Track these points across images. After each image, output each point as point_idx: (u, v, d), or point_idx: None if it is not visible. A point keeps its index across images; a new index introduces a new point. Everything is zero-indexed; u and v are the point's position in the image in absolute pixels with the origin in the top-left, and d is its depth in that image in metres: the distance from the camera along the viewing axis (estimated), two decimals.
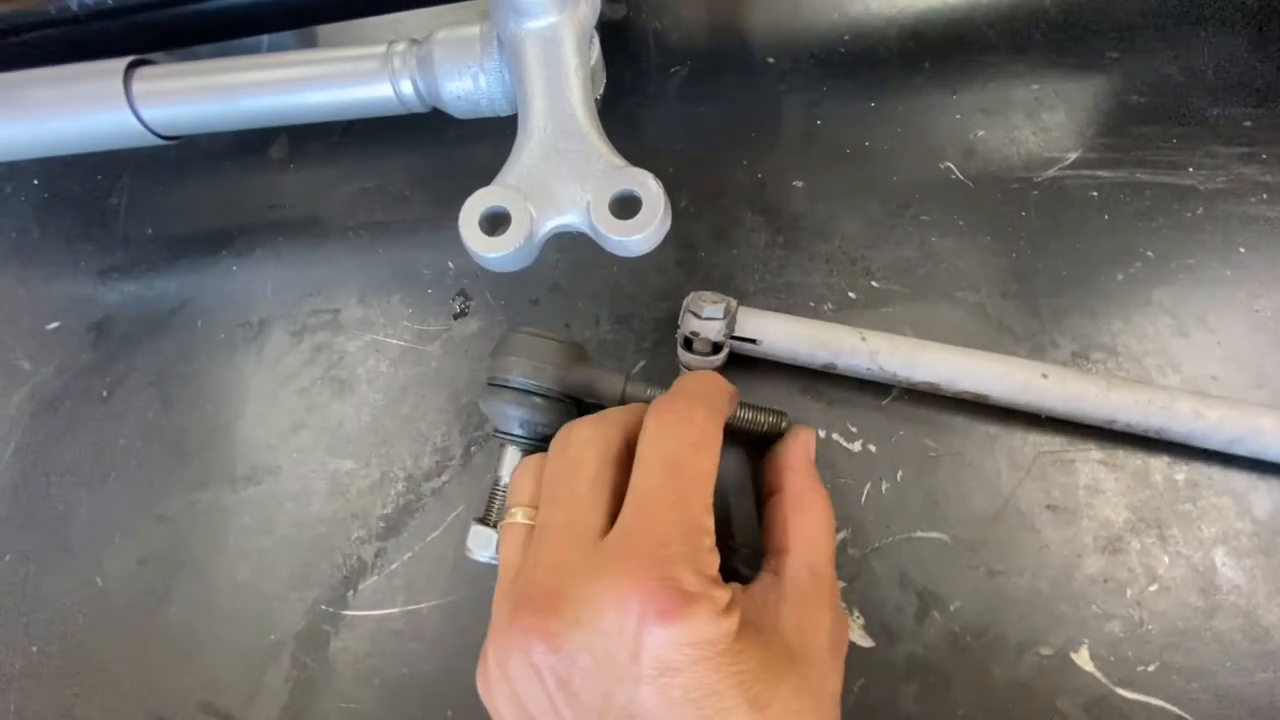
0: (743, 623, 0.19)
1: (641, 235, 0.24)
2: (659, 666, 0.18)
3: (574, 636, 0.19)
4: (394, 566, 0.31)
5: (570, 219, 0.25)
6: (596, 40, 0.29)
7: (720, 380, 0.25)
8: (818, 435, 0.30)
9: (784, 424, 0.28)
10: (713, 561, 0.20)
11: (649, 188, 0.24)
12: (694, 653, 0.18)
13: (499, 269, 0.25)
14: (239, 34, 0.37)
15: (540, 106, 0.26)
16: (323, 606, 0.30)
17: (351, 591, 0.31)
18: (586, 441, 0.23)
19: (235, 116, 0.31)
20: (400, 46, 0.29)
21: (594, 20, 0.26)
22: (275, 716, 0.29)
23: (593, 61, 0.28)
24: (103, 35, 0.35)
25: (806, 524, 0.24)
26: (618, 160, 0.25)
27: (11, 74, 0.32)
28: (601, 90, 0.31)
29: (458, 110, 0.29)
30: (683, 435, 0.21)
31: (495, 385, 0.27)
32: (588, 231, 0.25)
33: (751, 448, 0.30)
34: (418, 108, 0.30)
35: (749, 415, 0.28)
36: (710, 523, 0.21)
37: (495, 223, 0.24)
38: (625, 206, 0.24)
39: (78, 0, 0.34)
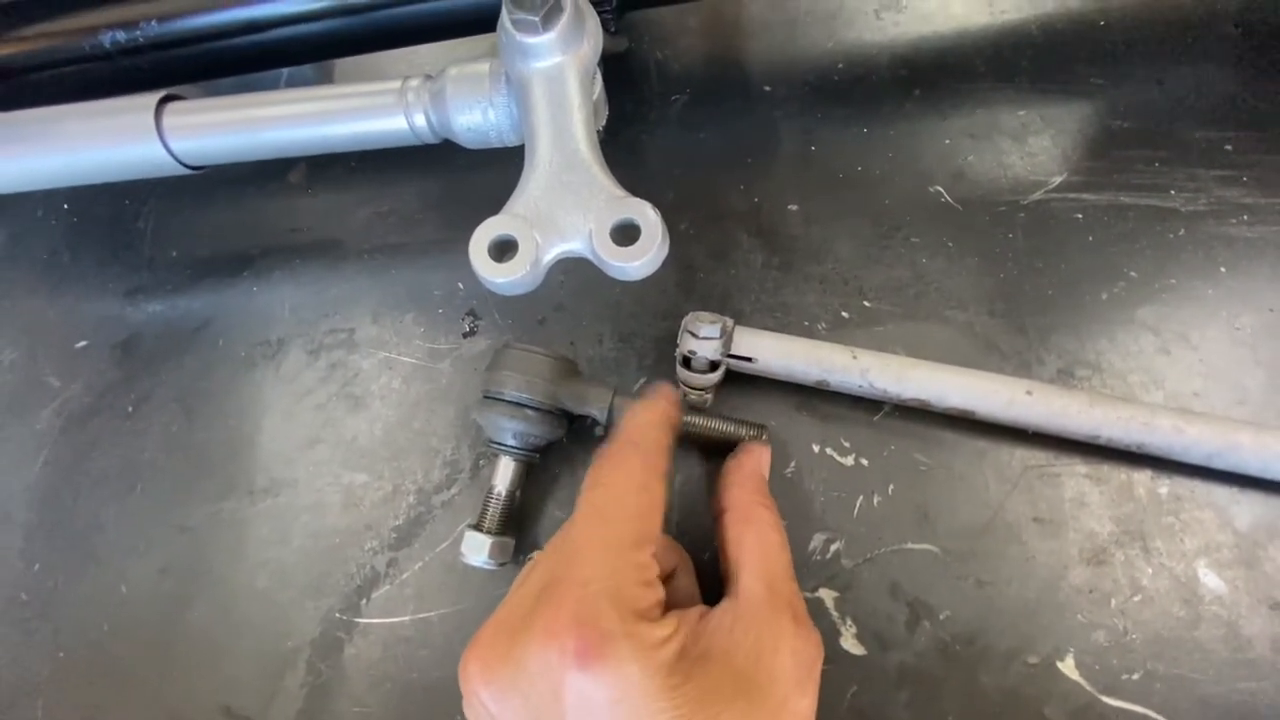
0: (683, 653, 0.19)
1: (640, 262, 0.25)
2: (582, 707, 0.19)
3: (508, 678, 0.20)
4: (405, 576, 0.32)
5: (573, 246, 0.26)
6: (599, 76, 0.30)
7: (661, 413, 0.25)
8: (812, 449, 0.31)
9: (763, 437, 0.30)
10: (643, 596, 0.20)
11: (648, 217, 0.25)
12: (615, 692, 0.18)
13: (507, 293, 0.26)
14: (260, 68, 0.39)
15: (546, 140, 0.27)
16: (337, 614, 0.32)
17: (365, 600, 0.32)
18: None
19: (259, 148, 0.33)
20: (414, 82, 0.31)
21: (596, 59, 0.28)
22: (291, 719, 0.30)
23: (595, 96, 0.30)
24: (132, 70, 0.37)
25: (755, 540, 0.24)
26: (618, 191, 0.26)
27: (49, 109, 0.34)
28: (605, 121, 0.33)
29: (468, 141, 0.31)
30: (612, 480, 0.22)
31: (490, 398, 0.29)
32: (590, 258, 0.26)
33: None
34: (430, 139, 0.32)
35: (729, 428, 0.30)
36: (644, 558, 0.21)
37: (503, 250, 0.26)
38: (625, 234, 0.25)
39: (110, 38, 0.36)
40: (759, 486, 0.26)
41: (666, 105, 0.40)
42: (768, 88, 0.39)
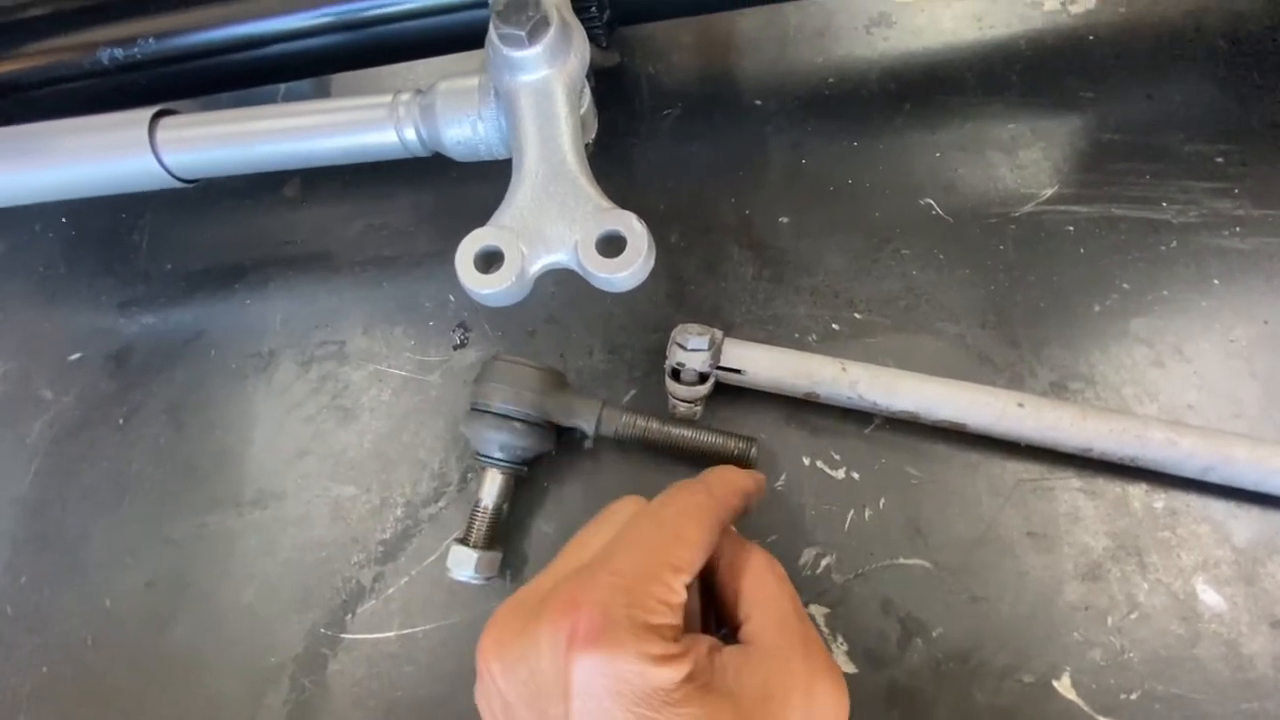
0: (690, 677, 0.19)
1: (626, 273, 0.25)
2: (584, 691, 0.19)
3: (519, 652, 0.20)
4: (391, 591, 0.32)
5: (560, 257, 0.26)
6: (588, 89, 0.30)
7: (744, 481, 0.25)
8: (803, 462, 0.31)
9: (752, 450, 0.29)
10: (663, 614, 0.20)
11: (634, 228, 0.25)
12: (616, 684, 0.19)
13: (493, 304, 0.26)
14: (257, 83, 0.39)
15: (533, 153, 0.27)
16: (322, 630, 0.31)
17: (350, 615, 0.32)
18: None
19: (251, 162, 0.33)
20: (405, 97, 0.31)
21: (584, 72, 0.28)
22: None
23: (583, 110, 0.30)
24: (131, 86, 0.37)
25: (753, 584, 0.23)
26: (604, 202, 0.26)
27: (45, 124, 0.34)
28: (594, 134, 0.33)
29: (457, 154, 0.31)
30: (679, 504, 0.22)
31: (477, 410, 0.29)
32: (576, 269, 0.26)
33: None
34: (420, 153, 0.32)
35: (718, 440, 0.29)
36: (678, 584, 0.21)
37: (489, 261, 0.26)
38: (611, 245, 0.25)
39: (108, 54, 0.36)
40: (730, 532, 0.25)
41: (658, 119, 0.40)
42: (758, 102, 0.40)
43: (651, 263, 0.26)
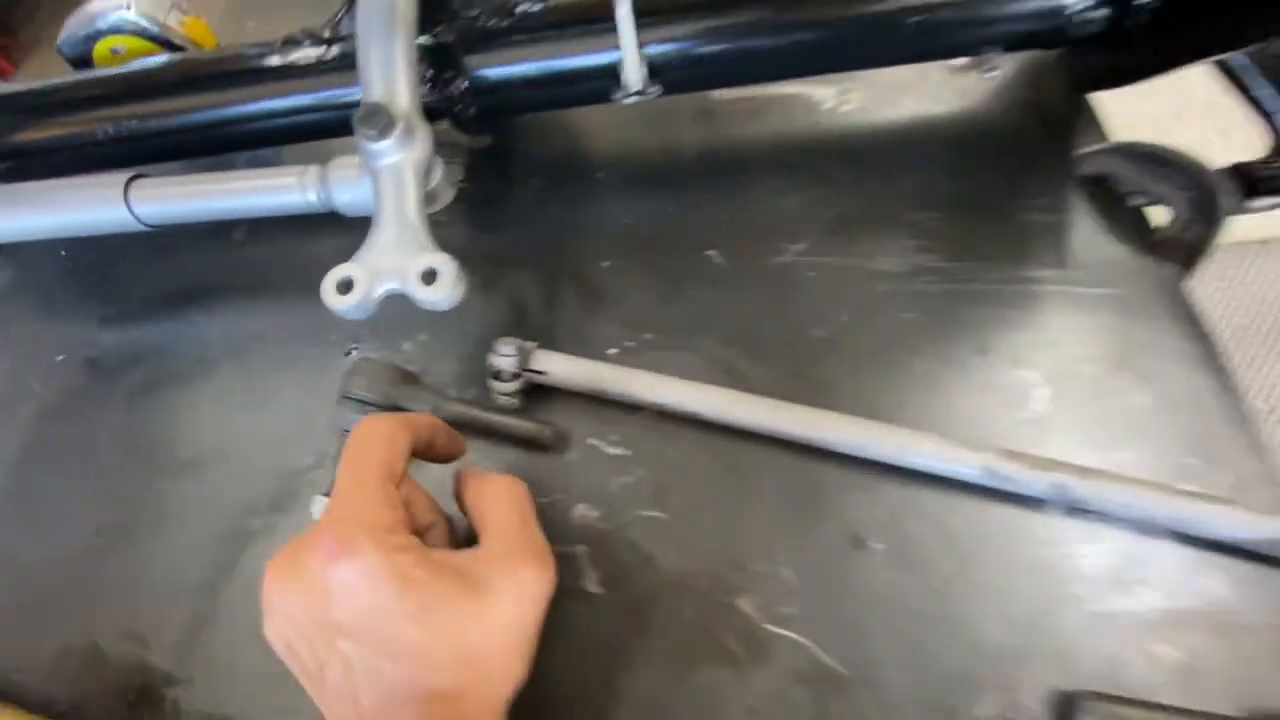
0: (420, 560, 0.27)
1: (439, 297, 0.36)
2: (341, 589, 0.26)
3: (292, 578, 0.27)
4: (279, 535, 0.42)
5: (395, 285, 0.37)
6: (439, 167, 0.42)
7: (416, 417, 0.34)
8: (588, 442, 0.41)
9: (547, 432, 0.39)
10: (387, 515, 0.28)
11: (448, 265, 0.36)
12: (361, 577, 0.26)
13: (347, 317, 0.37)
14: (220, 152, 0.52)
15: (388, 213, 0.39)
16: (221, 562, 0.41)
17: (243, 554, 0.41)
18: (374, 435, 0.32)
19: (203, 214, 0.45)
20: (310, 169, 0.43)
21: (428, 158, 0.40)
22: (176, 641, 0.39)
23: (434, 183, 0.42)
24: (119, 152, 0.49)
25: (488, 506, 0.32)
26: (432, 247, 0.37)
27: (48, 182, 0.46)
28: (449, 199, 0.45)
29: (347, 212, 0.43)
30: (365, 434, 0.31)
31: (344, 398, 0.39)
32: (407, 293, 0.37)
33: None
34: (322, 210, 0.43)
35: (524, 424, 0.40)
36: (389, 489, 0.29)
37: (345, 286, 0.37)
38: (431, 277, 0.36)
39: (103, 131, 0.48)
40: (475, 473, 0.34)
41: (526, 186, 0.52)
42: (602, 174, 0.51)
43: (460, 290, 0.37)
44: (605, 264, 0.48)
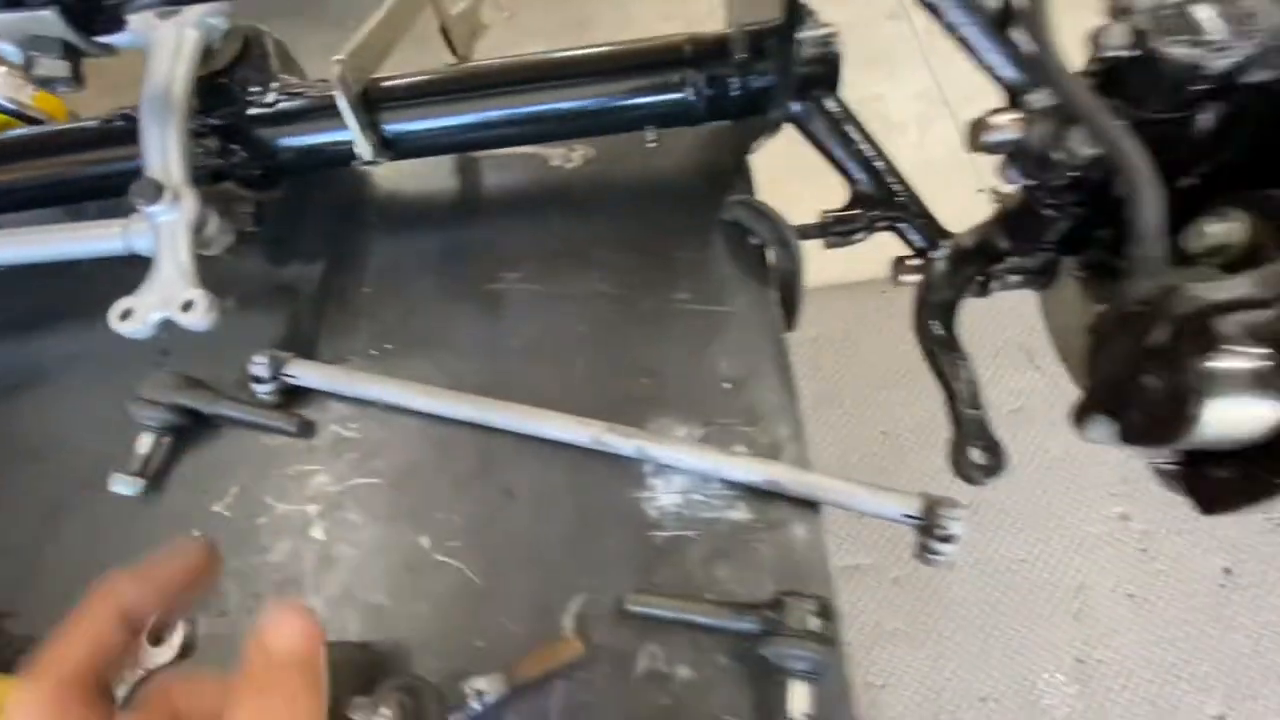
0: None
1: (195, 320, 0.49)
2: None
3: None
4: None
5: (166, 312, 0.50)
6: (213, 220, 0.55)
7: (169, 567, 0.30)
8: (331, 429, 0.54)
9: (294, 422, 0.53)
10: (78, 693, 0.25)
11: (203, 297, 0.49)
12: None
13: (130, 336, 0.50)
14: (62, 204, 0.64)
15: (166, 257, 0.51)
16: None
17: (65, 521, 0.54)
18: None
19: (39, 257, 0.57)
20: (129, 221, 0.55)
21: (194, 217, 0.52)
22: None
23: (210, 231, 0.55)
24: None
25: None
26: (195, 283, 0.50)
27: None
28: (227, 245, 0.57)
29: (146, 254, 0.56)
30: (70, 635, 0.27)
31: (136, 398, 0.52)
32: (173, 319, 0.50)
33: None
34: (140, 253, 0.56)
35: (271, 417, 0.53)
36: (73, 690, 0.25)
37: (125, 313, 0.50)
38: (190, 306, 0.49)
39: None
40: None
41: (310, 228, 0.65)
42: (374, 217, 0.65)
43: (211, 317, 0.50)
44: (366, 289, 0.61)
